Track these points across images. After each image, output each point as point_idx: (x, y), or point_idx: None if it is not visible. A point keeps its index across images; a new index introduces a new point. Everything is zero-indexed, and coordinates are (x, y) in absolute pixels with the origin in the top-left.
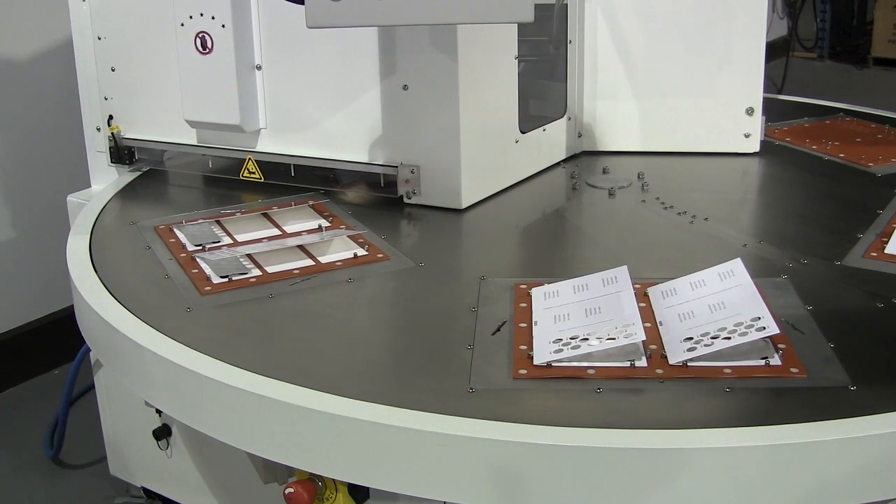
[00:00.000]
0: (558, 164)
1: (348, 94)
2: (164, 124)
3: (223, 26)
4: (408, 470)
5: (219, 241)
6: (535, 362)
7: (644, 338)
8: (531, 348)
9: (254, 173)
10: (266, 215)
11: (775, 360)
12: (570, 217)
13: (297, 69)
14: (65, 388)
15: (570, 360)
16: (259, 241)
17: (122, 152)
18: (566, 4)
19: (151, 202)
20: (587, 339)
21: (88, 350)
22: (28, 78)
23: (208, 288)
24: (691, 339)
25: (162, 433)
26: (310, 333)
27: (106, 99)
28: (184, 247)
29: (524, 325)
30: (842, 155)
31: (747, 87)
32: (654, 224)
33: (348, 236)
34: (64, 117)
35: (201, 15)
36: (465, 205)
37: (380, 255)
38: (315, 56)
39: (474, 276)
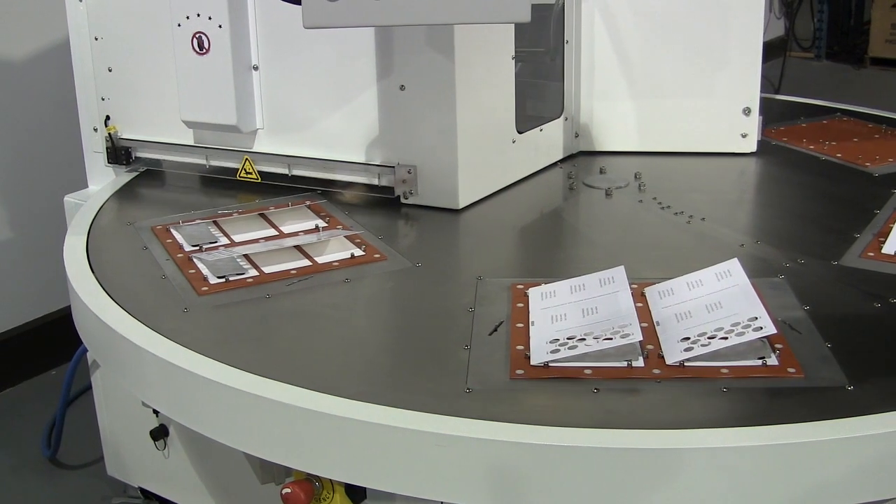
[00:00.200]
0: (555, 164)
1: (345, 94)
2: (161, 125)
3: (220, 27)
4: (405, 470)
5: (216, 242)
6: (532, 362)
7: (641, 338)
8: (528, 348)
9: (251, 174)
10: (263, 216)
11: (772, 360)
12: (566, 217)
13: (294, 69)
14: (62, 388)
15: (567, 360)
16: (256, 241)
17: (119, 153)
18: (563, 9)
19: (148, 202)
20: (584, 339)
21: (85, 351)
22: (25, 78)
23: (205, 288)
24: (688, 339)
25: (159, 433)
26: (307, 334)
27: (103, 99)
28: (181, 247)
29: (521, 325)
30: (839, 155)
31: (744, 87)
32: (651, 224)
33: (345, 236)
34: (61, 118)
35: (198, 15)
36: (462, 205)
37: (377, 256)
38: (312, 56)
39: (471, 276)
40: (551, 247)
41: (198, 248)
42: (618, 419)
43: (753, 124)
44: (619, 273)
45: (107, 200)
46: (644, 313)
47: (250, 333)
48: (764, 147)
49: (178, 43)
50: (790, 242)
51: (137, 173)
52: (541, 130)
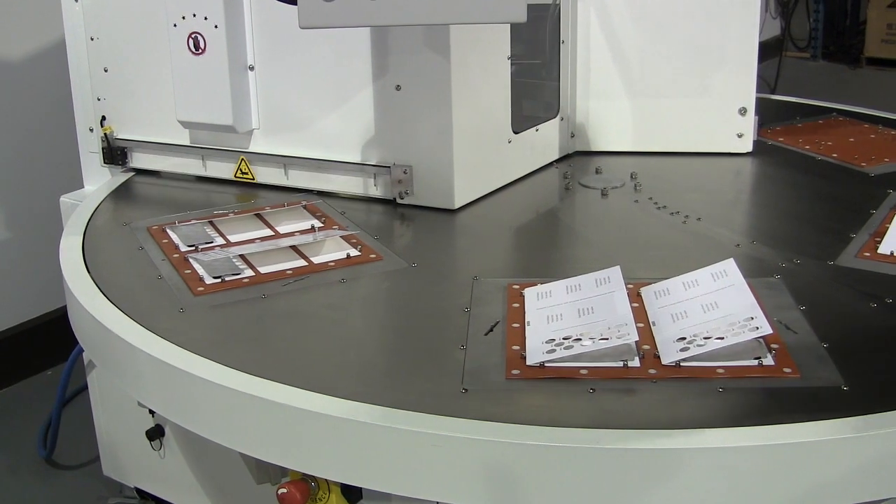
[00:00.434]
0: (551, 164)
1: (341, 94)
2: (157, 125)
3: (216, 27)
4: (401, 470)
5: (212, 242)
6: (528, 363)
7: (637, 338)
8: (524, 349)
9: (246, 174)
10: (259, 216)
11: (768, 361)
12: (562, 217)
13: (290, 70)
14: (58, 388)
15: (562, 360)
16: (252, 241)
17: (114, 153)
18: (559, 9)
19: (144, 203)
20: (580, 339)
21: (81, 351)
22: (21, 79)
23: (201, 288)
24: (684, 339)
25: (155, 434)
26: (302, 334)
27: (99, 100)
28: (177, 247)
29: (517, 325)
30: (835, 155)
31: (740, 87)
32: (647, 224)
33: (341, 237)
34: (57, 118)
35: (194, 15)
36: (457, 205)
37: (372, 256)
38: (308, 56)
39: (467, 276)
40: (547, 247)
41: (194, 248)
42: (614, 419)
43: (749, 124)
44: (615, 273)
45: (103, 201)
46: (640, 313)
47: (246, 334)
48: (760, 147)
49: (174, 43)
50: (786, 242)
51: (133, 173)
52: (537, 130)
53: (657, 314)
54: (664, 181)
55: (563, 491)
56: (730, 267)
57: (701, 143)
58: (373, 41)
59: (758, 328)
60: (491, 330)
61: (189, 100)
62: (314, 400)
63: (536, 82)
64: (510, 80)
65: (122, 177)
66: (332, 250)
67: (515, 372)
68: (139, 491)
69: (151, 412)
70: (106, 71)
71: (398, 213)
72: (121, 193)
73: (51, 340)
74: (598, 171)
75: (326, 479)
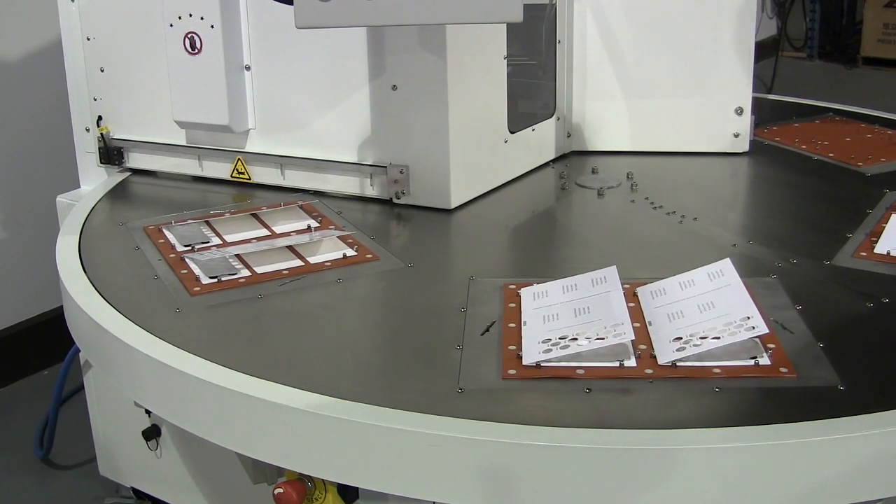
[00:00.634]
0: (547, 164)
1: (337, 94)
2: (153, 125)
3: (212, 27)
4: (397, 470)
5: (208, 242)
6: (525, 362)
7: (633, 338)
8: (520, 348)
9: (243, 174)
10: (255, 216)
11: (765, 360)
12: (559, 217)
13: (287, 69)
14: (55, 388)
15: (559, 360)
16: (248, 241)
17: (111, 153)
18: (555, 13)
19: (141, 203)
20: (576, 339)
21: (78, 351)
22: (17, 79)
23: (197, 288)
24: (681, 338)
25: (151, 434)
26: (299, 334)
27: (95, 100)
28: (173, 247)
29: (513, 325)
30: (831, 154)
31: (736, 87)
32: (644, 224)
33: (337, 237)
34: (53, 118)
35: (190, 15)
36: (454, 205)
37: (369, 256)
38: (304, 56)
39: (463, 276)
40: (543, 247)
41: (190, 248)
42: (610, 419)
43: (746, 124)
44: (612, 273)
45: (99, 200)
46: (636, 313)
47: (243, 334)
48: (756, 147)
49: (171, 43)
50: (782, 242)
51: (129, 173)
52: (533, 130)
53: (653, 314)
54: (660, 181)
55: (560, 491)
56: (726, 267)
57: (697, 142)
58: (369, 41)
59: (754, 328)
60: (487, 330)
61: (185, 100)
62: (310, 400)
63: (533, 82)
64: (506, 79)
65: (119, 177)
66: (329, 250)
67: (512, 372)
68: (136, 491)
69: (148, 412)
70: (102, 71)
71: (394, 212)
72: (117, 193)
73: (47, 340)
74: (594, 171)
75: (323, 479)
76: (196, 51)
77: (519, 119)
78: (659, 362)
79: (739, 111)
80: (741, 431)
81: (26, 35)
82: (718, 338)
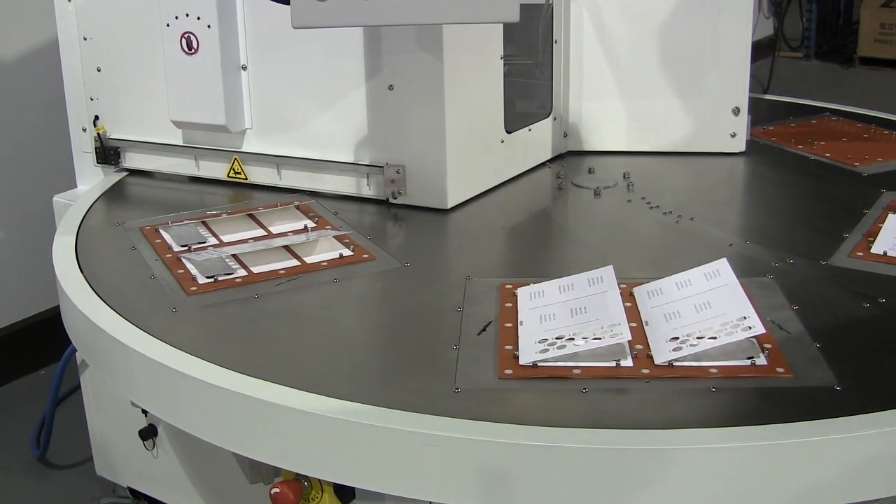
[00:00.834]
0: (544, 164)
1: (334, 94)
2: (149, 125)
3: (209, 27)
4: (394, 470)
5: (204, 242)
6: (521, 362)
7: (630, 338)
8: (517, 348)
9: (239, 174)
10: (252, 216)
11: (761, 360)
12: (555, 217)
13: (283, 69)
14: (51, 388)
15: (555, 360)
16: (245, 241)
17: (108, 153)
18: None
19: (137, 203)
20: (573, 338)
21: (74, 350)
22: (14, 78)
23: (194, 288)
24: (677, 338)
25: (148, 433)
26: (295, 334)
27: (92, 99)
28: (170, 247)
29: (510, 325)
30: (828, 154)
31: (733, 87)
32: (640, 224)
33: (334, 237)
34: (50, 118)
35: (187, 15)
36: (450, 205)
37: (365, 256)
38: (301, 56)
39: (460, 276)
40: (540, 247)
41: (186, 248)
42: (606, 419)
43: (742, 124)
44: (608, 273)
45: (96, 201)
46: (633, 313)
47: (239, 333)
48: (753, 147)
49: (167, 43)
50: (779, 242)
51: (126, 173)
52: (529, 130)
53: (650, 314)
54: (657, 181)
55: (556, 490)
56: (723, 267)
57: (694, 142)
58: (365, 41)
59: (751, 328)
60: (484, 330)
61: (182, 100)
62: (307, 400)
63: (529, 82)
64: (503, 79)
65: (116, 177)
66: (325, 250)
67: (508, 371)
68: (132, 490)
69: (144, 412)
70: (99, 71)
71: (391, 212)
72: (114, 193)
73: (44, 340)
74: (590, 171)
75: (319, 479)
76: (193, 51)
77: (515, 119)
78: (655, 362)
79: (736, 111)
80: (738, 431)
81: (23, 35)
82: (715, 338)
